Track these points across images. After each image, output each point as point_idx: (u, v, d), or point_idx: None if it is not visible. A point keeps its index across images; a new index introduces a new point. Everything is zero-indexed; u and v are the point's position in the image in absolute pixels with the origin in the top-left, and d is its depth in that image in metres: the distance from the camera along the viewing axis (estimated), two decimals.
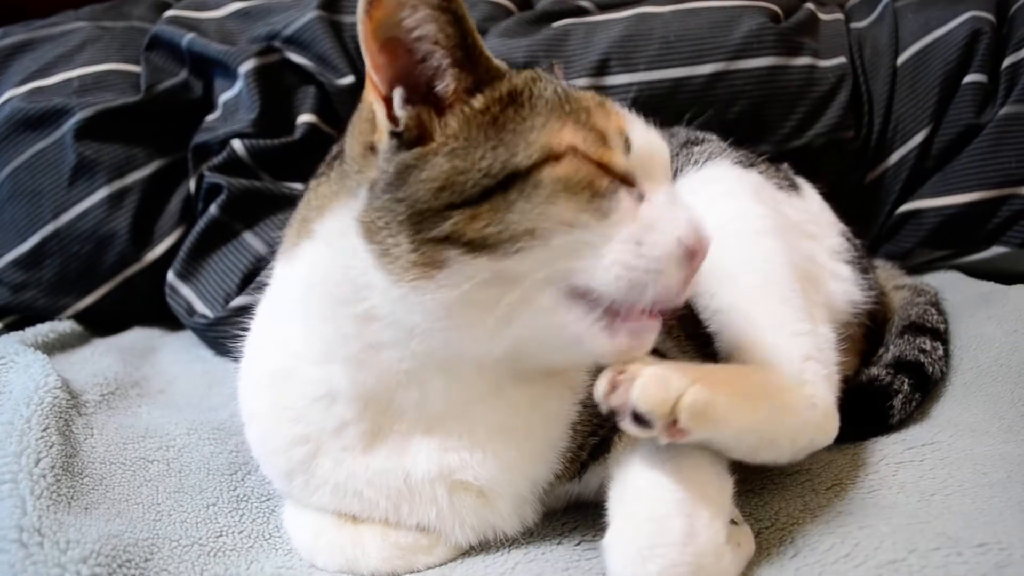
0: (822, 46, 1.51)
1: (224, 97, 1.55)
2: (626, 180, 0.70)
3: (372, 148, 0.71)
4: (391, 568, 0.81)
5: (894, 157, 1.50)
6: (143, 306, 1.54)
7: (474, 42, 0.70)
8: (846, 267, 1.11)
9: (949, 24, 1.52)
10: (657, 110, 1.40)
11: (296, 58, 1.53)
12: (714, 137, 1.14)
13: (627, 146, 0.71)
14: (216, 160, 1.49)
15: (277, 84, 1.52)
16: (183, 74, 1.61)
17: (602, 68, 1.46)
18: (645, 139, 0.72)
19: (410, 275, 0.68)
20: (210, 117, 1.57)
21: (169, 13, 1.68)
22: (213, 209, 1.46)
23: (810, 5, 1.60)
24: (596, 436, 0.82)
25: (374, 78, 0.69)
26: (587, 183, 0.67)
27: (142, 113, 1.55)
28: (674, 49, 1.46)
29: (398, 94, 0.69)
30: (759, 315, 0.90)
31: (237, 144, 1.48)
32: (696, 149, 1.06)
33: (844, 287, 1.09)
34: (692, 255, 0.69)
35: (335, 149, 0.81)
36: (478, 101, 0.70)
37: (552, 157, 0.67)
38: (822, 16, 1.58)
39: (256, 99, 1.49)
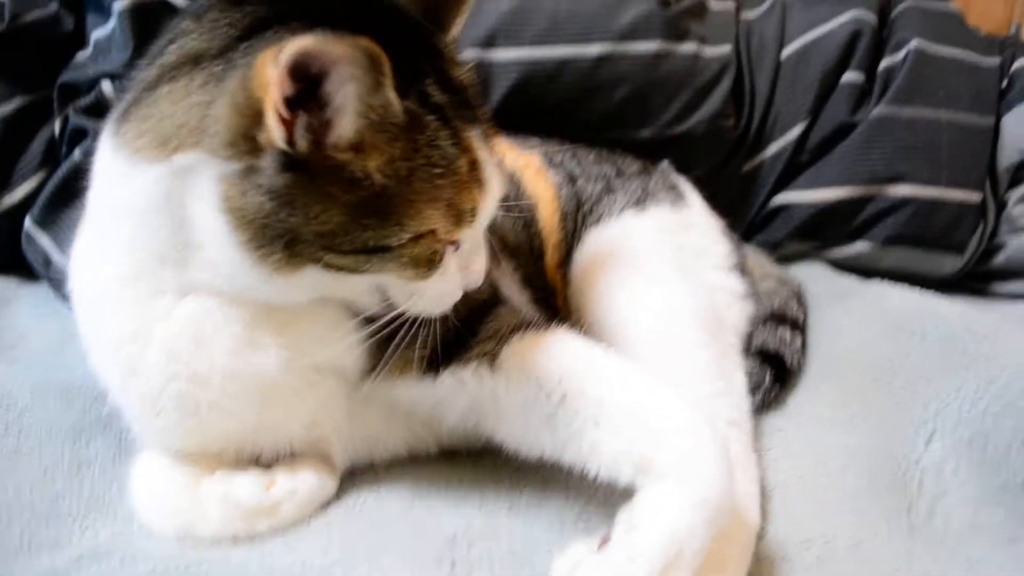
0: (709, 33, 1.52)
1: (96, 35, 1.46)
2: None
3: (252, 139, 0.68)
4: (231, 531, 0.81)
5: (771, 149, 1.53)
6: None
7: (388, 103, 0.68)
8: (737, 278, 1.16)
9: (832, 22, 1.56)
10: (544, 90, 1.44)
11: None
12: (618, 184, 1.18)
13: (473, 218, 0.76)
14: (84, 101, 1.41)
15: (154, 25, 1.41)
16: (53, 6, 1.50)
17: (490, 42, 1.43)
18: (488, 209, 0.78)
19: (268, 269, 0.72)
20: (80, 55, 1.48)
21: None
22: (77, 154, 1.37)
23: None
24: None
25: (277, 102, 0.65)
26: (428, 259, 0.75)
27: (4, 45, 1.44)
28: (562, 27, 1.44)
29: (302, 122, 0.66)
30: (670, 381, 0.90)
31: (107, 85, 1.39)
32: (607, 199, 1.13)
33: (741, 305, 1.14)
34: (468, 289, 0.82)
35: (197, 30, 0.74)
36: (374, 163, 0.69)
37: (415, 237, 0.73)
38: (712, 4, 1.59)
39: (130, 39, 1.39)
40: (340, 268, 0.72)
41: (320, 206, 0.69)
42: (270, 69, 0.64)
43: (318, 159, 0.68)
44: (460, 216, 0.75)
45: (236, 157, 0.69)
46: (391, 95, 0.67)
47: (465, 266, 0.80)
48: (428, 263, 0.75)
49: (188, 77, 0.71)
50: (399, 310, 0.78)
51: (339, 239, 0.70)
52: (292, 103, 0.66)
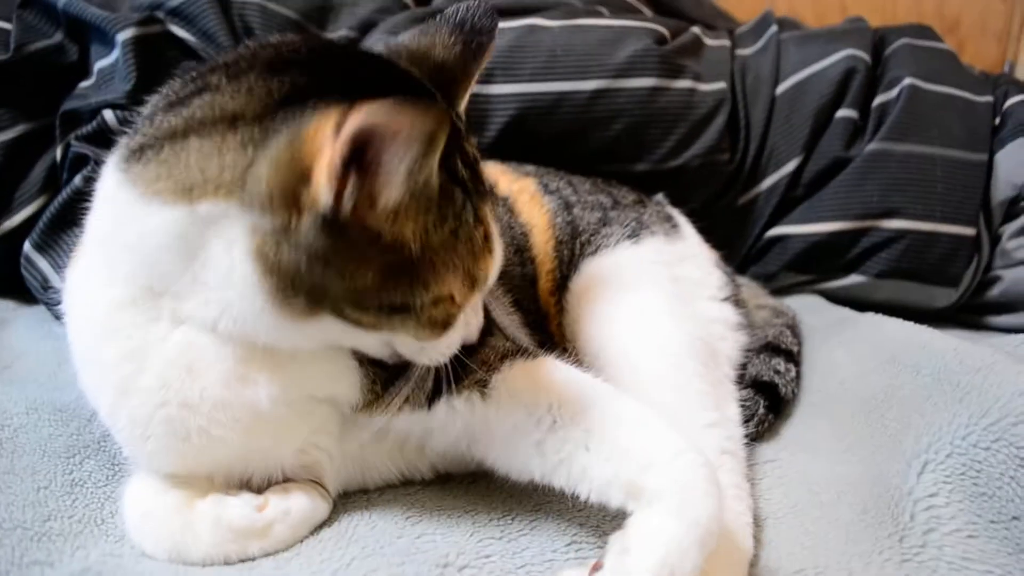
0: (704, 70, 1.54)
1: (99, 64, 1.48)
2: None
3: (294, 197, 0.68)
4: (223, 553, 0.81)
5: (766, 183, 1.55)
6: None
7: (431, 174, 0.71)
8: (731, 309, 1.17)
9: (826, 60, 1.58)
10: (541, 124, 1.45)
11: (179, 31, 1.48)
12: (614, 215, 1.19)
13: (483, 284, 0.81)
14: (85, 129, 1.43)
15: (156, 56, 1.46)
16: (58, 36, 1.53)
17: (488, 76, 1.45)
18: (494, 276, 0.83)
19: (286, 314, 0.73)
20: (83, 84, 1.50)
21: None
22: (77, 180, 1.39)
23: (696, 29, 1.64)
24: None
25: (334, 164, 0.66)
26: (442, 321, 0.78)
27: (9, 73, 1.47)
28: (560, 63, 1.47)
29: (351, 184, 0.68)
30: (665, 410, 0.90)
31: (109, 115, 1.41)
32: (605, 231, 1.15)
33: (735, 336, 1.15)
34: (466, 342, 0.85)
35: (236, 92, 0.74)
36: (408, 230, 0.71)
37: (435, 301, 0.76)
38: (708, 41, 1.62)
39: (132, 70, 1.42)
40: (359, 323, 0.74)
41: (353, 265, 0.71)
42: (327, 132, 0.65)
43: (356, 222, 0.69)
44: (474, 282, 0.79)
45: (272, 212, 0.69)
46: (435, 166, 0.70)
47: (466, 322, 0.83)
48: (442, 324, 0.78)
49: (221, 135, 0.72)
50: (404, 359, 0.81)
51: (366, 297, 0.72)
52: (344, 165, 0.67)
